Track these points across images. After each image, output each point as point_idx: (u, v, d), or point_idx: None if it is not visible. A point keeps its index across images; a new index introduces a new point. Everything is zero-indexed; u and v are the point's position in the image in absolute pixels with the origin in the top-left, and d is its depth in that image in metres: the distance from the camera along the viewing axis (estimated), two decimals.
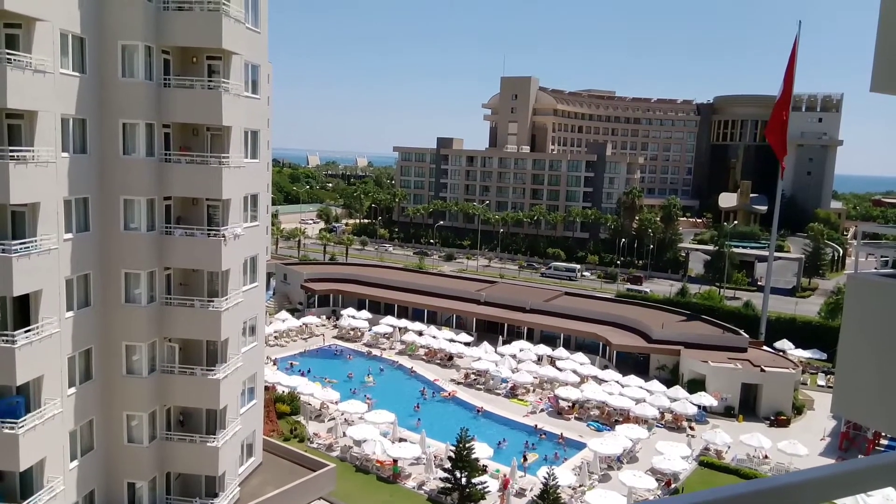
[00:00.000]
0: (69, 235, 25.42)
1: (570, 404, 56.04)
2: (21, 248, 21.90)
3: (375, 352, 70.39)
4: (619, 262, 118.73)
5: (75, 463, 26.73)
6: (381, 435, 45.95)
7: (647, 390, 57.29)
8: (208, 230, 28.96)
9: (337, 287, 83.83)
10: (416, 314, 78.63)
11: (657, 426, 53.62)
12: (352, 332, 75.04)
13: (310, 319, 76.06)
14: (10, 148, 21.96)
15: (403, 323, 75.24)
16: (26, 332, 22.48)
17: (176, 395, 29.24)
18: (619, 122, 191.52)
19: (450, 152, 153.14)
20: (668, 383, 59.77)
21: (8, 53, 21.48)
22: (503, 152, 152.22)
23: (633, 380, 59.28)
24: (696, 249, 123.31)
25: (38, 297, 23.41)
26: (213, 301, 29.08)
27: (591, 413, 55.70)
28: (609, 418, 54.59)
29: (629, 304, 79.58)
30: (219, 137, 30.04)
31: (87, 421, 27.24)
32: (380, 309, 79.89)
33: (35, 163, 22.39)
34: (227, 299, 29.43)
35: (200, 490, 30.47)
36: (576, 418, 54.83)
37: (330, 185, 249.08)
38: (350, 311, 78.10)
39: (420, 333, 72.44)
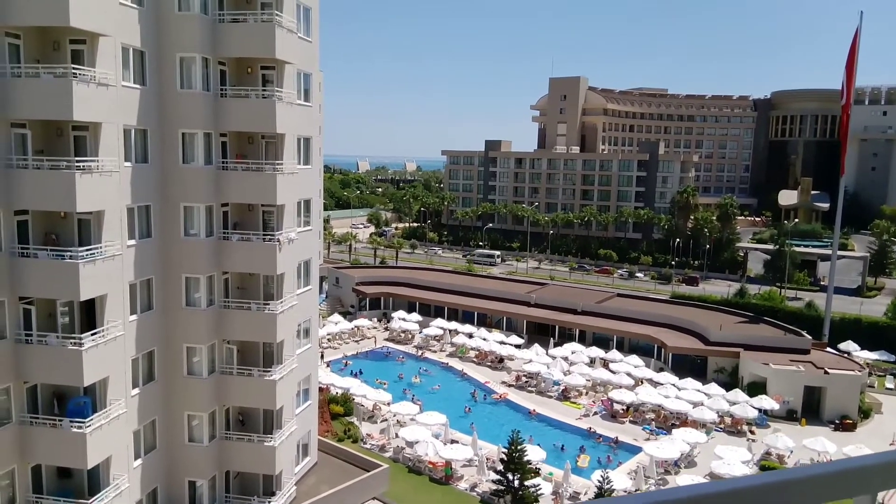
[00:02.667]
0: (132, 242, 26.42)
1: (625, 407, 55.08)
2: (87, 255, 22.85)
3: (426, 354, 70.70)
4: (673, 262, 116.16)
5: (139, 461, 27.71)
6: (433, 436, 46.10)
7: (705, 393, 55.88)
8: (264, 235, 29.67)
9: (387, 290, 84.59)
10: (466, 317, 78.65)
11: (716, 430, 52.19)
12: (402, 335, 75.57)
13: (361, 322, 76.96)
14: (77, 158, 22.96)
15: (453, 325, 75.36)
16: (93, 335, 23.42)
17: (234, 396, 30.02)
18: (671, 119, 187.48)
19: (498, 154, 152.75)
20: (727, 386, 58.19)
21: (74, 68, 22.48)
22: (552, 153, 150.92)
23: (690, 383, 57.90)
24: (755, 249, 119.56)
25: (103, 301, 24.38)
26: (268, 304, 29.76)
27: (647, 416, 54.61)
28: (665, 422, 53.41)
29: (685, 306, 77.80)
30: (273, 145, 30.77)
31: (150, 421, 28.23)
32: (430, 311, 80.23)
33: (99, 172, 23.34)
34: (282, 302, 30.08)
35: (258, 489, 31.18)
36: (630, 421, 53.83)
37: (380, 189, 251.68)
38: (401, 313, 78.69)
39: (470, 336, 72.39)
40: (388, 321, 79.39)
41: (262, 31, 28.15)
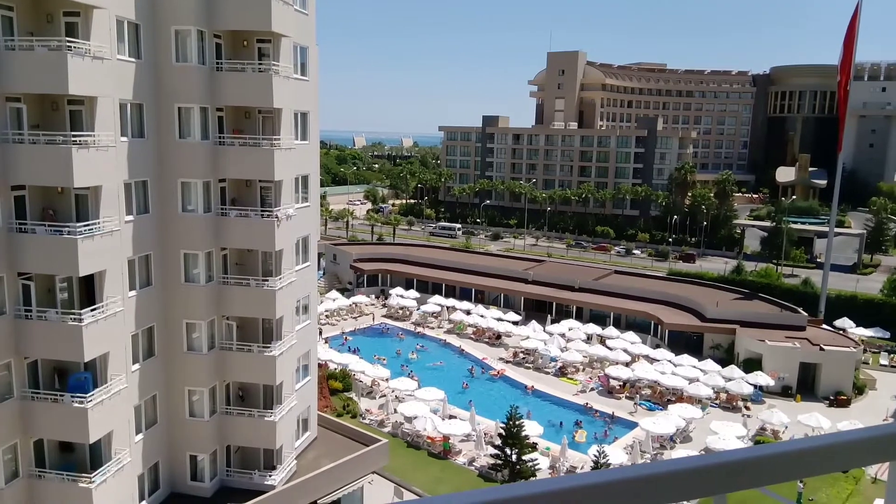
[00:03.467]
0: (130, 217, 26.28)
1: (621, 383, 55.52)
2: (85, 231, 22.73)
3: (424, 331, 70.98)
4: (670, 239, 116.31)
5: (140, 436, 27.88)
6: (432, 412, 46.47)
7: (701, 370, 56.31)
8: (262, 211, 29.55)
9: (385, 267, 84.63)
10: (463, 293, 78.85)
11: (711, 406, 52.69)
12: (400, 312, 75.79)
13: (359, 299, 77.10)
14: (73, 133, 22.73)
15: (451, 302, 75.56)
16: (92, 310, 23.41)
17: (234, 371, 30.14)
18: (670, 95, 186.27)
19: (495, 131, 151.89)
20: (723, 363, 58.64)
21: (68, 41, 22.14)
22: (550, 129, 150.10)
23: (686, 359, 58.29)
24: (752, 226, 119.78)
25: (102, 277, 24.32)
26: (267, 280, 29.74)
27: (643, 392, 55.07)
28: (661, 398, 53.89)
29: (682, 283, 78.05)
30: (270, 120, 30.49)
31: (150, 396, 28.35)
32: (427, 288, 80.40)
33: (96, 147, 23.12)
34: (280, 278, 30.05)
35: (259, 463, 31.44)
36: (627, 397, 54.31)
37: (376, 165, 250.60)
38: (398, 290, 78.83)
39: (468, 312, 72.65)
40: (386, 298, 79.55)
41: (258, 3, 27.71)
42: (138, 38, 26.31)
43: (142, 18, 26.24)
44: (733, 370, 55.76)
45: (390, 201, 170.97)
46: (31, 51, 21.97)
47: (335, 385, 51.37)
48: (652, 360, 59.46)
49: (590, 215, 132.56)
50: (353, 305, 75.76)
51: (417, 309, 74.98)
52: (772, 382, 54.92)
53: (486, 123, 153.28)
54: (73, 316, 22.93)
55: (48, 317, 23.09)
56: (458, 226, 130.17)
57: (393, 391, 51.98)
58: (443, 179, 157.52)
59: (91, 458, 25.16)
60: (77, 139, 22.39)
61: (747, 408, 52.75)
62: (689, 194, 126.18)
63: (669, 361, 58.32)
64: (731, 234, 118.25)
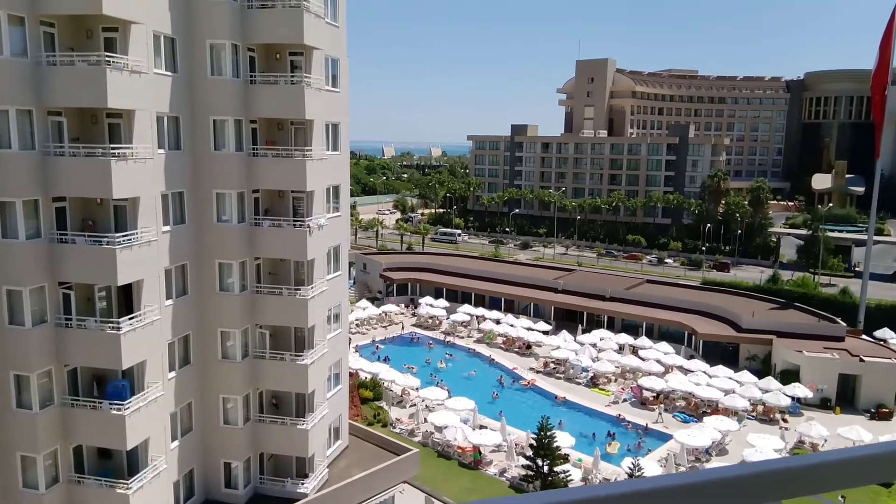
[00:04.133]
0: (167, 228, 26.80)
1: (655, 394, 54.68)
2: (124, 241, 23.22)
3: (454, 340, 70.87)
4: (703, 248, 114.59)
5: (176, 443, 28.28)
6: (462, 422, 46.30)
7: (737, 381, 55.23)
8: (294, 221, 29.86)
9: (414, 276, 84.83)
10: (493, 303, 78.60)
11: (748, 418, 51.60)
12: (430, 321, 75.82)
13: (389, 308, 77.39)
14: (112, 145, 23.28)
15: (481, 311, 75.38)
16: (130, 319, 23.86)
17: (267, 380, 30.42)
18: (702, 102, 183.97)
19: (524, 139, 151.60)
20: (760, 374, 57.44)
21: (107, 56, 22.72)
22: (579, 137, 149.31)
23: (721, 370, 57.23)
24: (788, 234, 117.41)
25: (139, 286, 24.79)
26: (299, 289, 30.00)
27: (677, 404, 54.16)
28: (696, 409, 52.93)
29: (716, 292, 76.74)
30: (302, 131, 30.88)
31: (186, 403, 28.76)
32: (457, 297, 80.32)
33: (134, 159, 23.63)
34: (312, 287, 30.30)
35: (291, 471, 31.63)
36: (664, 410, 53.40)
37: (405, 175, 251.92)
38: (428, 299, 78.91)
39: (497, 322, 72.39)
40: (416, 307, 79.69)
41: (291, 17, 28.13)
42: (174, 53, 26.89)
43: (178, 33, 26.83)
44: (770, 382, 54.56)
45: (419, 211, 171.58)
46: (71, 66, 22.57)
47: (366, 394, 51.52)
48: (686, 371, 58.51)
49: (620, 224, 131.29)
50: (383, 314, 76.04)
51: (447, 318, 74.95)
52: (810, 394, 53.61)
53: (514, 132, 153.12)
54: (111, 324, 23.39)
55: (87, 325, 23.59)
56: (459, 231, 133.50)
57: (423, 400, 51.93)
58: (471, 188, 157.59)
59: (128, 464, 25.56)
60: (116, 152, 22.92)
61: (785, 420, 51.53)
62: (723, 202, 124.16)
63: (704, 372, 57.30)
64: (767, 242, 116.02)
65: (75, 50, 23.41)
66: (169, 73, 26.62)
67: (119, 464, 25.70)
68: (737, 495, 1.53)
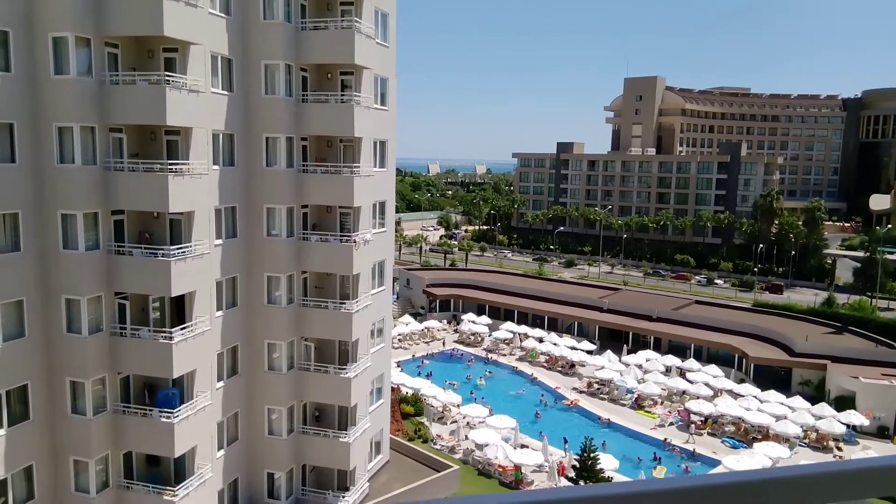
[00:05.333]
0: (219, 241, 27.58)
1: (703, 419, 53.24)
2: (178, 253, 23.99)
3: (496, 357, 70.50)
4: (755, 269, 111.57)
5: (222, 452, 28.85)
6: (503, 440, 45.90)
7: (789, 406, 53.37)
8: (341, 236, 30.35)
9: (457, 292, 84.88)
10: (536, 320, 77.95)
11: (800, 445, 49.77)
12: (472, 337, 75.63)
13: (431, 323, 77.51)
14: (169, 161, 24.16)
15: (523, 329, 74.84)
16: (182, 329, 24.56)
17: (311, 392, 30.83)
18: (754, 120, 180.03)
19: (570, 157, 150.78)
20: (813, 400, 55.39)
21: (167, 75, 23.66)
22: (627, 155, 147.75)
23: (772, 395, 55.46)
24: (844, 256, 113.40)
25: (192, 297, 25.53)
26: (344, 303, 30.41)
27: (726, 429, 52.63)
28: (746, 435, 51.34)
29: (768, 315, 74.55)
30: (350, 148, 31.46)
31: (232, 413, 29.36)
32: (499, 314, 79.98)
33: (190, 175, 24.46)
34: (357, 302, 30.68)
35: (333, 483, 31.88)
36: (709, 433, 51.99)
37: (450, 192, 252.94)
38: (470, 315, 78.78)
39: (540, 340, 71.73)
40: (458, 323, 79.63)
41: (342, 38, 28.81)
42: (231, 72, 27.82)
43: (234, 54, 27.76)
44: (824, 408, 52.59)
45: (463, 227, 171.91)
46: (133, 85, 23.56)
47: (407, 409, 51.59)
48: (736, 396, 56.89)
49: (668, 243, 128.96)
50: (426, 330, 76.20)
51: (489, 335, 74.66)
52: (866, 422, 51.47)
53: (560, 150, 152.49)
54: (163, 334, 24.11)
55: (141, 335, 24.36)
56: (458, 232, 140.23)
57: (464, 417, 51.72)
58: (516, 206, 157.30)
59: (175, 471, 26.17)
60: (173, 167, 23.77)
61: (839, 448, 49.54)
62: (776, 222, 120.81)
63: (755, 397, 55.61)
64: (822, 264, 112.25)
65: (137, 69, 24.44)
66: (225, 93, 27.52)
67: (167, 471, 26.34)
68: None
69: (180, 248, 24.23)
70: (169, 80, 23.44)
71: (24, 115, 21.83)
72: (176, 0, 22.99)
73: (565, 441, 47.04)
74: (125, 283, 24.09)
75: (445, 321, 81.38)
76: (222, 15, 27.08)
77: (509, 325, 75.81)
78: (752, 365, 62.48)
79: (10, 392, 22.20)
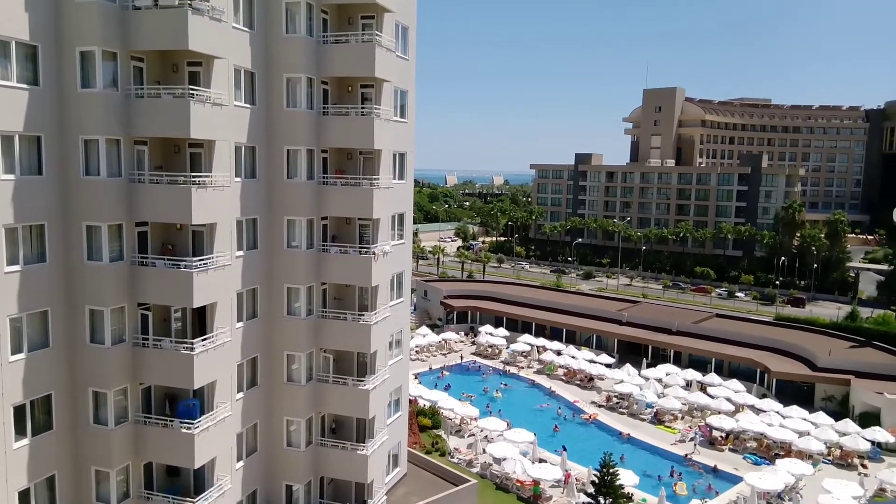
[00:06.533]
0: (240, 253, 27.76)
1: (724, 434, 52.46)
2: (200, 264, 24.15)
3: (513, 370, 70.10)
4: (777, 282, 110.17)
5: (241, 463, 28.89)
6: (521, 454, 45.54)
7: (812, 423, 52.52)
8: (360, 248, 30.42)
9: (475, 304, 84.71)
10: (554, 333, 77.53)
11: (823, 462, 48.88)
12: (489, 349, 75.35)
13: (449, 335, 77.36)
14: (192, 174, 24.39)
15: (541, 342, 74.47)
16: (203, 340, 24.69)
17: (330, 403, 30.80)
18: (775, 131, 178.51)
19: (588, 168, 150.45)
20: (837, 416, 54.45)
21: (191, 89, 23.94)
22: (646, 167, 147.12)
23: (795, 411, 54.63)
24: (868, 269, 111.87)
25: (213, 308, 25.68)
26: (363, 315, 30.42)
27: (748, 445, 51.80)
28: (768, 451, 50.50)
29: (790, 329, 73.54)
30: (370, 160, 31.58)
31: (252, 424, 29.42)
32: (517, 327, 79.67)
33: (213, 187, 24.67)
34: (376, 313, 30.68)
35: (350, 496, 31.77)
36: (730, 449, 51.21)
37: (467, 203, 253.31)
38: (488, 328, 78.53)
39: (558, 353, 71.30)
40: (475, 335, 79.40)
41: (363, 51, 28.99)
42: (253, 86, 28.10)
43: (257, 67, 28.06)
44: (848, 424, 51.65)
45: (480, 239, 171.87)
46: (157, 98, 23.86)
47: (424, 422, 51.38)
48: (758, 411, 56.11)
49: (688, 255, 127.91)
50: (443, 342, 76.06)
51: (507, 347, 74.34)
52: (891, 439, 50.54)
53: (578, 161, 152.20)
54: (185, 345, 24.25)
55: (163, 345, 24.52)
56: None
57: (482, 430, 51.42)
58: (534, 217, 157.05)
59: (195, 483, 26.24)
60: (196, 179, 23.99)
61: (864, 465, 48.58)
62: (798, 235, 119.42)
63: (777, 413, 54.78)
64: (844, 277, 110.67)
65: (162, 83, 24.76)
66: (248, 106, 27.80)
67: (186, 482, 26.41)
68: None
69: (202, 259, 24.40)
70: (193, 94, 23.70)
71: (52, 127, 22.19)
72: (201, 15, 23.29)
73: (563, 448, 46.74)
74: (148, 294, 24.28)
75: (463, 333, 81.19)
76: (246, 29, 27.39)
77: (527, 337, 75.46)
78: (774, 380, 61.60)
79: (35, 401, 22.42)
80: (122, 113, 23.36)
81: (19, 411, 21.89)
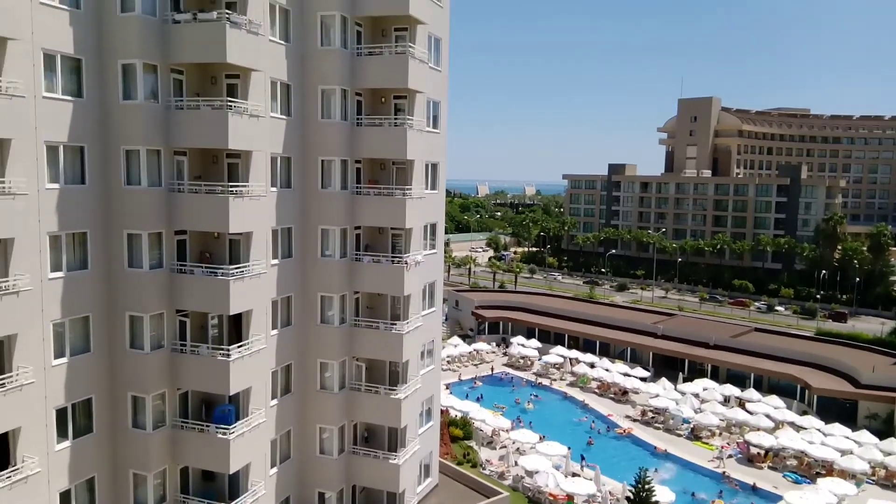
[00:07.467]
0: (275, 261, 28.15)
1: (763, 451, 51.12)
2: (237, 272, 24.54)
3: (545, 382, 69.49)
4: (818, 296, 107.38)
5: (275, 470, 29.13)
6: (554, 468, 45.03)
7: (855, 441, 50.89)
8: (392, 257, 30.59)
9: (506, 315, 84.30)
10: (587, 345, 76.68)
11: (867, 482, 47.27)
12: (521, 361, 74.84)
13: (480, 346, 77.10)
14: (230, 184, 24.84)
15: (574, 354, 73.71)
16: (239, 347, 25.03)
17: (362, 412, 30.91)
18: (815, 142, 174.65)
19: (622, 178, 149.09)
20: (881, 434, 52.70)
21: (229, 101, 24.44)
22: (681, 177, 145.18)
23: (837, 428, 52.99)
24: None
25: (249, 316, 26.04)
26: (395, 324, 30.53)
27: (788, 463, 50.39)
28: (809, 470, 49.04)
29: (832, 344, 71.53)
30: (403, 170, 31.79)
31: (285, 431, 29.67)
32: (549, 338, 79.01)
33: (249, 197, 25.09)
34: (408, 323, 30.76)
35: None
36: (769, 467, 49.88)
37: (498, 213, 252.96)
38: (519, 339, 78.07)
39: (592, 365, 70.46)
40: (507, 346, 78.97)
41: (397, 63, 29.27)
42: (289, 98, 28.58)
43: (293, 79, 28.54)
44: (893, 443, 49.92)
45: (512, 249, 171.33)
46: (197, 110, 24.38)
47: (456, 432, 51.19)
48: (798, 428, 54.59)
49: (726, 267, 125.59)
50: (474, 352, 75.82)
51: (539, 359, 73.76)
52: None
53: (612, 171, 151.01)
54: (221, 351, 24.61)
55: (200, 351, 24.92)
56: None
57: (514, 442, 51.01)
58: (566, 228, 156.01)
59: (230, 488, 26.52)
60: (233, 189, 24.43)
61: None
62: (839, 247, 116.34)
63: (818, 430, 53.22)
64: (888, 291, 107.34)
65: (201, 95, 25.33)
66: (283, 117, 28.27)
67: (221, 487, 26.71)
68: None
69: (239, 267, 24.79)
70: (231, 106, 24.18)
71: (94, 138, 22.83)
72: (238, 29, 23.80)
73: (582, 458, 46.09)
74: (186, 301, 24.73)
75: (494, 344, 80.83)
76: (282, 42, 27.91)
77: (559, 349, 74.78)
78: (816, 396, 59.92)
79: (76, 405, 22.95)
80: (162, 124, 23.93)
81: (61, 414, 22.42)
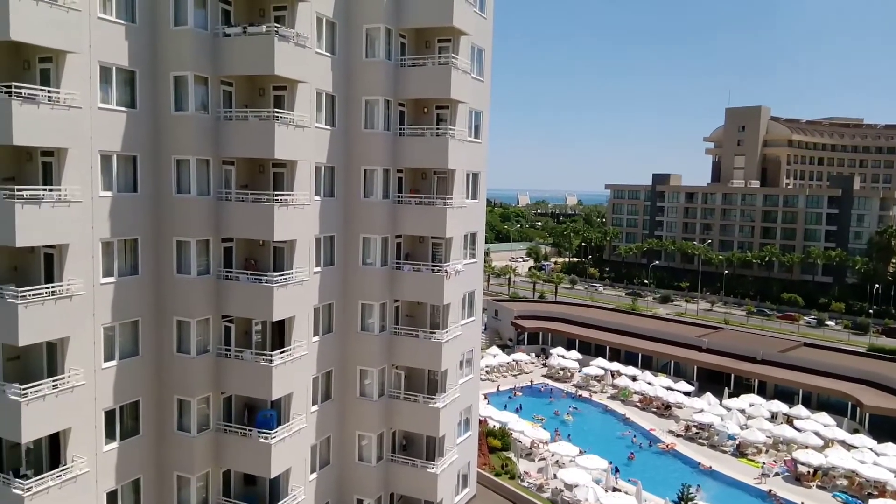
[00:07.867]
0: (318, 269, 28.58)
1: (812, 470, 49.43)
2: (280, 279, 25.00)
3: (585, 394, 68.61)
4: (871, 311, 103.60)
5: (314, 475, 29.44)
6: (594, 482, 44.34)
7: None
8: (433, 266, 30.71)
9: (546, 325, 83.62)
10: (628, 358, 75.46)
11: None
12: (561, 372, 74.07)
13: (519, 356, 76.60)
14: (275, 193, 25.36)
15: (615, 366, 72.60)
16: (281, 353, 25.45)
17: (401, 420, 31.05)
18: (868, 152, 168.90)
19: (666, 189, 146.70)
20: None
21: (276, 112, 24.98)
22: (728, 188, 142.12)
23: (890, 448, 50.96)
24: None
25: (291, 322, 26.46)
26: (434, 333, 30.62)
27: (838, 483, 48.60)
28: (860, 490, 47.21)
29: (886, 360, 68.91)
30: (444, 180, 31.95)
31: (325, 437, 29.99)
32: (590, 350, 78.04)
33: (294, 205, 25.57)
34: (447, 331, 30.81)
35: None
36: (818, 487, 48.19)
37: (539, 223, 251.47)
38: (559, 350, 77.30)
39: (634, 378, 69.30)
40: (547, 357, 78.29)
41: (440, 74, 29.50)
42: (334, 108, 29.06)
43: (338, 90, 29.02)
44: None
45: (552, 259, 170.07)
46: (245, 120, 25.00)
47: (494, 443, 50.85)
48: (849, 447, 52.62)
49: (774, 280, 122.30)
50: (514, 363, 75.35)
51: (579, 371, 72.88)
52: None
53: (656, 181, 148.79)
54: (265, 357, 25.06)
55: (244, 357, 25.41)
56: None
57: (553, 455, 50.45)
58: (608, 238, 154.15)
59: (270, 492, 26.91)
60: (279, 198, 24.93)
61: None
62: (893, 261, 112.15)
63: (871, 449, 51.21)
64: None
65: (249, 106, 25.97)
66: (328, 127, 28.75)
67: (262, 491, 27.11)
68: None
69: (283, 274, 25.24)
70: (278, 117, 24.73)
71: (147, 148, 23.60)
72: (286, 42, 24.34)
73: (616, 470, 45.27)
74: (231, 307, 25.28)
75: (533, 354, 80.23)
76: (328, 54, 28.42)
77: (600, 361, 73.78)
78: (868, 414, 57.74)
79: (124, 407, 23.64)
80: (211, 134, 24.60)
81: (110, 416, 23.12)
